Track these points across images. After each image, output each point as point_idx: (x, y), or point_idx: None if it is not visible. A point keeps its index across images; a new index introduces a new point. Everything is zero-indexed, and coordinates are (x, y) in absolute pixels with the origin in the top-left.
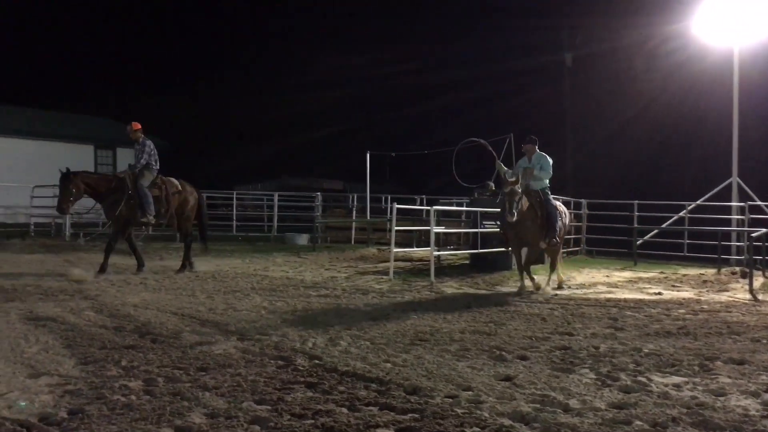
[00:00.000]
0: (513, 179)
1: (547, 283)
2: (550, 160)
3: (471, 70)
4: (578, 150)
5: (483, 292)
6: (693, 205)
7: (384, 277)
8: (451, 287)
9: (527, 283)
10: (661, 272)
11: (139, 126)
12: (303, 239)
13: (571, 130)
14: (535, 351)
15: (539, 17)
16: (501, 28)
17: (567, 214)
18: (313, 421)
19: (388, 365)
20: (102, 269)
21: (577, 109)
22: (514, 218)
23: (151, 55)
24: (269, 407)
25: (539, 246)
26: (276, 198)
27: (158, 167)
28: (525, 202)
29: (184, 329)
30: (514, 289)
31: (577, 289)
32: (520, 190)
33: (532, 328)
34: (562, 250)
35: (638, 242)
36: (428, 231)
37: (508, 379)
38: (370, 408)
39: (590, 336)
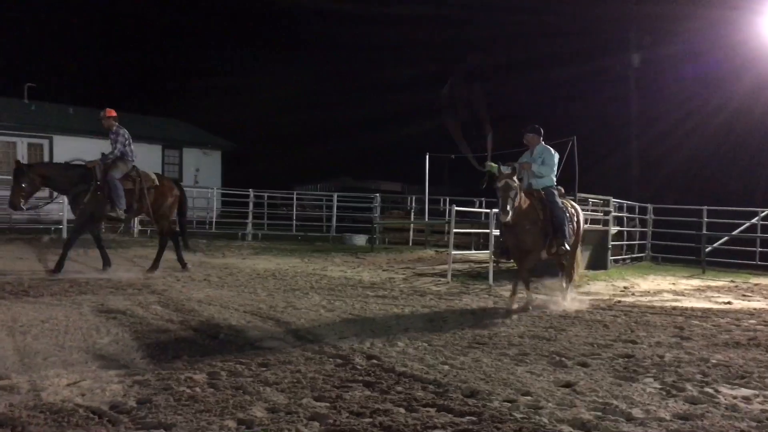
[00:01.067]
0: (509, 171)
1: (563, 298)
2: (555, 155)
3: (533, 71)
4: (644, 153)
5: (542, 296)
6: (766, 211)
7: (442, 279)
8: (509, 291)
9: (521, 295)
10: (731, 281)
11: (114, 113)
12: (361, 240)
13: (637, 133)
14: (596, 358)
15: (607, 17)
16: (566, 29)
17: (581, 215)
18: (371, 420)
19: (446, 367)
20: (58, 267)
21: (644, 111)
22: (509, 217)
23: (216, 58)
24: (328, 404)
25: (540, 255)
26: (335, 198)
27: (134, 158)
28: (525, 202)
29: (245, 325)
30: (580, 294)
31: (641, 296)
32: (515, 185)
33: (594, 334)
34: (579, 260)
35: (707, 249)
36: (487, 234)
37: (568, 385)
38: (428, 409)
39: (655, 345)
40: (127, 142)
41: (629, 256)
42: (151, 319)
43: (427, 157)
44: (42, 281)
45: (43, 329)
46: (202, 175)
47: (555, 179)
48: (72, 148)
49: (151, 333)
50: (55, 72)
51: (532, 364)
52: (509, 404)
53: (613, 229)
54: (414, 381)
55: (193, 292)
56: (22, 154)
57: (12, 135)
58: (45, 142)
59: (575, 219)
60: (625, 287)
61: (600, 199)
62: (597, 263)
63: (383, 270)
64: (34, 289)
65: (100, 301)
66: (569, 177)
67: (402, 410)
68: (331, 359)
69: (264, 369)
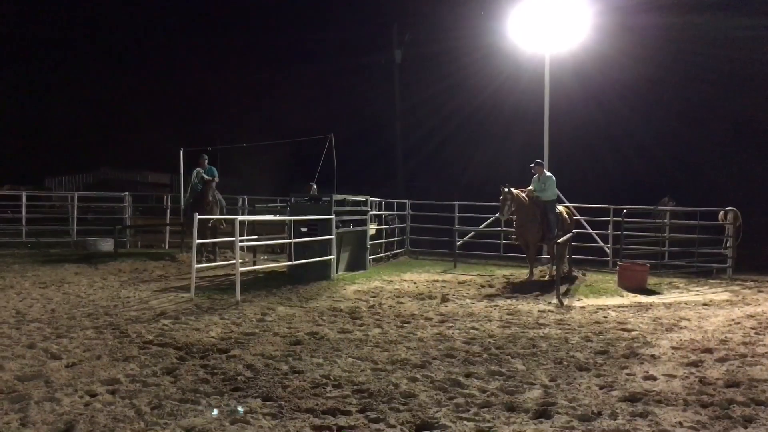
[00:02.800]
0: (508, 193)
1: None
2: (552, 177)
3: None
4: None
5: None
6: None
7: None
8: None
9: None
10: None
11: None
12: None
13: None
14: None
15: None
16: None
17: (565, 217)
18: None
19: None
20: None
21: None
22: (504, 217)
23: None
24: None
25: (539, 244)
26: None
27: None
28: (528, 207)
29: None
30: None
31: None
32: (510, 198)
33: None
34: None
35: None
36: None
37: None
38: None
39: None
40: None
41: None
42: None
43: (182, 152)
44: None
45: None
46: None
47: (555, 193)
48: None
49: None
50: None
51: None
52: None
53: None
54: None
55: None
56: None
57: None
58: None
59: (565, 221)
60: None
61: None
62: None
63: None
64: None
65: None
66: None
67: None
68: None
69: None
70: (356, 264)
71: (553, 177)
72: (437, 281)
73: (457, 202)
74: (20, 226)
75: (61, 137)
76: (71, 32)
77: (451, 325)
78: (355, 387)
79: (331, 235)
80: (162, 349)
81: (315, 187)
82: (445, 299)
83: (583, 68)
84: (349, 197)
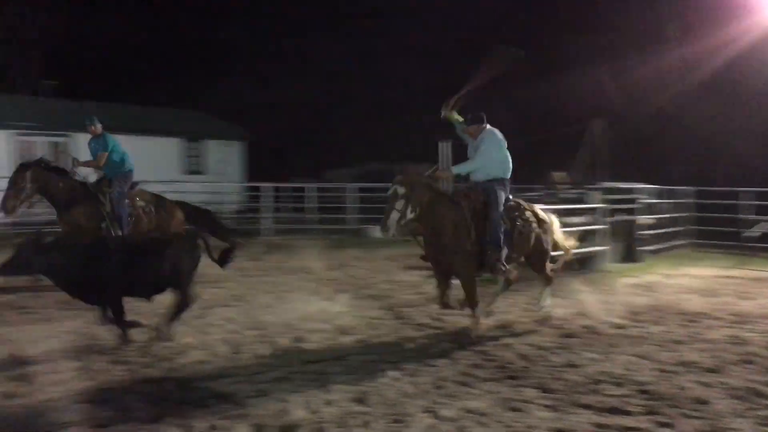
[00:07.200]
0: (401, 178)
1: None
2: (493, 137)
3: None
4: None
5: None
6: None
7: None
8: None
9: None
10: None
11: None
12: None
13: None
14: None
15: None
16: None
17: (548, 224)
18: None
19: None
20: None
21: None
22: (389, 234)
23: (233, 43)
24: None
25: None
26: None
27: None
28: (445, 207)
29: None
30: None
31: None
32: (403, 191)
33: None
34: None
35: None
36: None
37: None
38: None
39: None
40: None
41: None
42: None
43: (440, 145)
44: None
45: None
46: (226, 167)
47: (507, 169)
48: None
49: None
50: (68, 67)
51: None
52: None
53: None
54: None
55: None
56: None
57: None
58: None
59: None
60: None
61: None
62: None
63: None
64: None
65: None
66: None
67: None
68: None
69: None
70: (628, 256)
71: (495, 135)
72: (725, 277)
73: (741, 189)
74: (309, 215)
75: (335, 134)
76: None
77: (747, 327)
78: (637, 387)
79: (600, 225)
80: (436, 332)
81: (559, 175)
82: (737, 298)
83: None
84: (620, 185)
